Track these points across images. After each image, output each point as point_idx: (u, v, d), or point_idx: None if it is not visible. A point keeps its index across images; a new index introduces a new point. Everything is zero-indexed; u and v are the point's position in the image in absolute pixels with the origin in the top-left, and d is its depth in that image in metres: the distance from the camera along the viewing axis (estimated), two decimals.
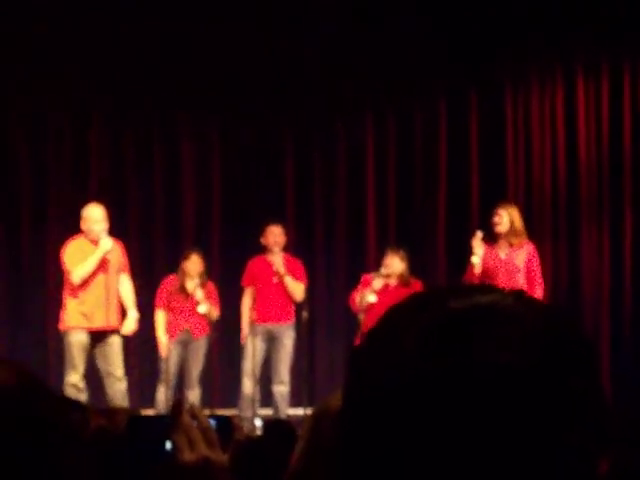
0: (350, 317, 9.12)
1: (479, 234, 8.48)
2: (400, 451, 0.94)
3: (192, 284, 8.88)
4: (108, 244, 8.24)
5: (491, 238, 8.51)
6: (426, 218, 10.47)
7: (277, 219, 9.23)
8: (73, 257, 8.24)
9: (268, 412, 9.04)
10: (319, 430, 1.97)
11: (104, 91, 10.29)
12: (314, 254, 10.43)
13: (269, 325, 8.98)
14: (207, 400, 9.18)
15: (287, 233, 9.29)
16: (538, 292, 8.43)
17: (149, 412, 7.94)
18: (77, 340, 8.21)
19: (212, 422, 1.59)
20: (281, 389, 9.02)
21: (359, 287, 8.83)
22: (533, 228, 9.46)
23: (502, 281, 8.29)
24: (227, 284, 9.56)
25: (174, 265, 9.08)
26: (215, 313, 8.97)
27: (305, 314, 9.04)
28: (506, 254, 8.47)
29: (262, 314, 8.95)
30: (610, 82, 10.07)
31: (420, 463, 0.93)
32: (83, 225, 8.34)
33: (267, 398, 9.11)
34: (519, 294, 0.99)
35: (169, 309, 8.87)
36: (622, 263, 9.90)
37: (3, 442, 1.22)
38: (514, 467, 0.92)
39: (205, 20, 10.10)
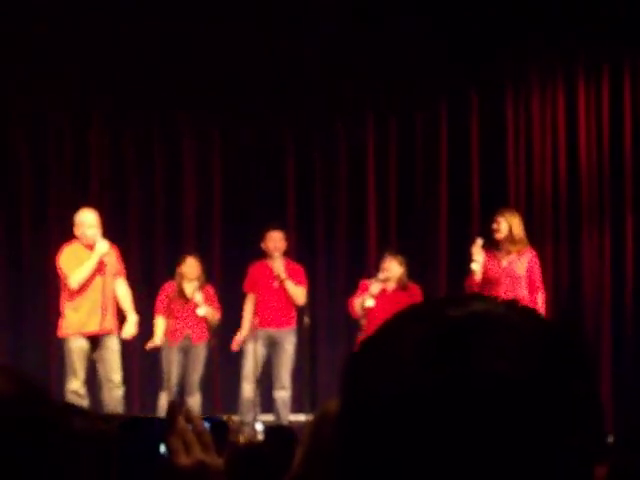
0: (351, 322, 9.15)
1: (479, 241, 8.49)
2: (398, 459, 0.94)
3: (190, 287, 8.89)
4: (104, 247, 8.29)
5: (492, 245, 8.50)
6: (427, 221, 10.49)
7: (277, 224, 9.23)
8: (69, 262, 8.28)
9: (269, 418, 9.04)
10: (319, 435, 1.96)
11: (104, 91, 10.29)
12: (315, 258, 10.44)
13: (270, 330, 9.00)
14: (208, 406, 9.18)
15: (288, 237, 9.30)
16: (540, 299, 8.44)
17: None
18: (77, 346, 8.25)
19: (207, 425, 1.58)
20: (282, 394, 9.03)
21: (358, 292, 8.84)
22: (534, 231, 9.47)
23: (503, 288, 8.29)
24: (228, 288, 9.56)
25: (174, 268, 9.07)
26: (216, 316, 8.96)
27: (306, 319, 9.06)
28: (507, 261, 8.47)
29: (263, 319, 8.98)
30: (610, 85, 10.10)
31: (419, 471, 0.93)
32: (77, 230, 8.38)
33: (268, 403, 9.12)
34: (513, 303, 1.00)
35: (169, 315, 8.86)
36: (623, 266, 9.91)
37: (2, 448, 1.21)
38: (514, 475, 0.93)
39: (205, 20, 10.11)
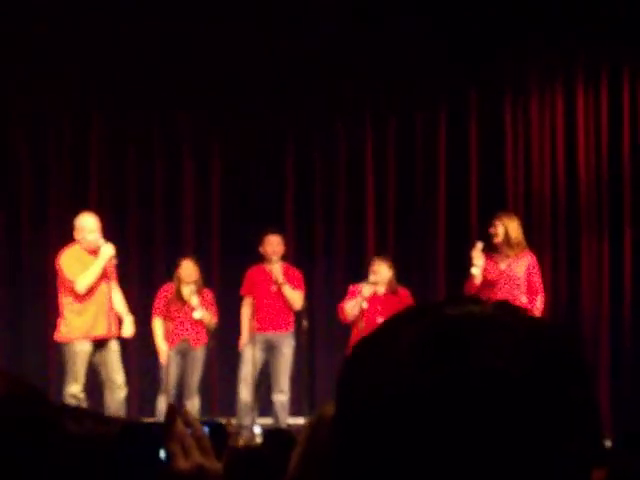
0: (349, 325, 9.13)
1: (479, 245, 8.50)
2: (395, 459, 0.94)
3: (187, 290, 8.89)
4: (110, 250, 8.29)
5: (491, 248, 8.50)
6: (426, 224, 10.51)
7: (275, 228, 9.23)
8: (72, 266, 8.26)
9: (268, 421, 9.05)
10: (316, 438, 1.97)
11: (104, 91, 10.28)
12: (313, 262, 10.45)
13: (268, 334, 9.01)
14: (206, 409, 9.19)
15: (286, 241, 9.29)
16: (539, 302, 8.45)
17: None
18: (82, 350, 8.25)
19: (205, 429, 1.58)
20: (281, 398, 9.05)
21: (347, 297, 8.85)
22: (532, 238, 9.48)
23: (502, 292, 8.30)
24: (226, 292, 9.58)
25: (173, 271, 9.08)
26: (213, 320, 8.96)
27: (305, 323, 9.06)
28: (506, 265, 8.48)
29: (261, 323, 8.99)
30: (609, 90, 10.12)
31: (416, 471, 0.93)
32: (77, 235, 8.38)
33: (267, 407, 9.13)
34: (505, 304, 1.01)
35: (167, 318, 8.87)
36: (622, 273, 9.94)
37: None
38: (512, 475, 0.93)
39: (205, 20, 10.14)
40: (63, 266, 8.28)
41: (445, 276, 10.29)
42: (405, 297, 8.90)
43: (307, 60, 10.41)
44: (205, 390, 9.27)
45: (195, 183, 10.64)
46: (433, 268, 10.43)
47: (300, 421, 8.85)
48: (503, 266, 8.51)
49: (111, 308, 8.39)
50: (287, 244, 9.40)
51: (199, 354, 8.99)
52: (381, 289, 8.89)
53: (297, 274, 9.22)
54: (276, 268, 9.05)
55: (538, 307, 8.45)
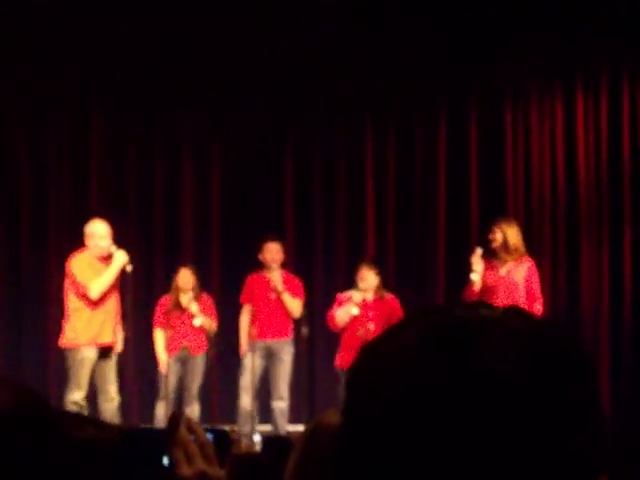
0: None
1: (478, 251, 8.51)
2: (399, 460, 0.95)
3: (186, 298, 8.92)
4: (124, 257, 8.30)
5: (491, 254, 8.51)
6: (425, 230, 10.51)
7: (275, 236, 9.23)
8: (85, 272, 8.24)
9: (267, 428, 9.07)
10: (313, 446, 1.97)
11: (104, 91, 10.29)
12: (313, 269, 10.45)
13: (268, 341, 9.04)
14: (206, 416, 9.20)
15: (285, 248, 9.29)
16: (537, 308, 8.46)
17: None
18: (88, 357, 8.23)
19: (209, 436, 1.59)
20: (280, 405, 9.07)
21: (334, 306, 8.87)
22: (532, 243, 9.50)
23: (501, 297, 8.32)
24: (225, 299, 9.59)
25: (171, 277, 9.09)
26: (213, 325, 8.98)
27: (304, 330, 9.06)
28: (506, 271, 8.49)
29: (261, 330, 9.01)
30: (609, 94, 10.12)
31: (419, 472, 0.94)
32: (88, 241, 8.37)
33: (266, 414, 9.16)
34: (515, 310, 1.01)
35: (167, 327, 8.89)
36: (621, 277, 9.97)
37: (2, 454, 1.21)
38: (514, 477, 0.93)
39: (205, 20, 10.17)
40: (75, 271, 8.25)
41: (445, 281, 10.31)
42: (393, 303, 8.93)
43: (307, 60, 10.44)
44: (205, 397, 9.28)
45: (195, 185, 10.66)
46: (433, 272, 10.44)
47: (300, 428, 8.83)
48: (502, 272, 8.52)
49: (117, 316, 8.43)
50: (286, 249, 9.39)
51: (199, 361, 9.01)
52: (369, 295, 8.90)
53: (297, 282, 9.23)
54: (275, 276, 9.05)
55: (536, 313, 8.46)
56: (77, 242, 9.96)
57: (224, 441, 1.62)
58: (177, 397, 9.04)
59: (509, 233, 8.51)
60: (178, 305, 8.95)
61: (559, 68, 10.26)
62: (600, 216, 10.09)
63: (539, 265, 8.90)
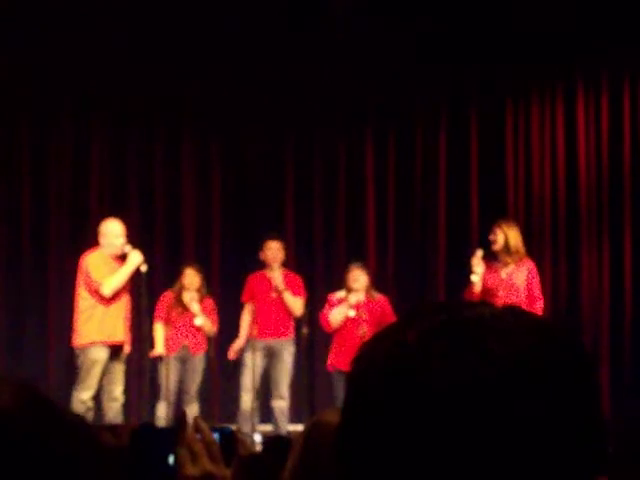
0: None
1: (479, 253, 8.51)
2: (400, 461, 0.95)
3: (188, 297, 8.89)
4: (139, 257, 8.34)
5: (491, 256, 8.52)
6: (426, 231, 10.49)
7: (276, 234, 9.22)
8: (100, 269, 8.26)
9: (268, 428, 9.05)
10: (313, 444, 1.97)
11: (104, 91, 10.30)
12: (314, 268, 10.45)
13: (268, 340, 9.01)
14: (206, 415, 9.17)
15: (286, 247, 9.28)
16: (538, 309, 8.43)
17: None
18: (101, 358, 8.22)
19: (216, 436, 1.59)
20: (281, 404, 9.05)
21: (326, 307, 8.88)
22: (533, 244, 9.48)
23: (502, 299, 8.32)
24: (227, 298, 9.59)
25: (173, 278, 9.08)
26: (213, 328, 8.97)
27: (305, 329, 9.05)
28: (506, 272, 8.48)
29: (261, 329, 9.00)
30: (610, 97, 10.12)
31: (420, 472, 0.94)
32: (103, 240, 8.40)
33: (267, 414, 9.15)
34: (514, 308, 1.02)
35: (168, 324, 8.87)
36: (622, 278, 9.95)
37: (13, 463, 1.21)
38: (513, 476, 0.93)
39: (205, 20, 10.16)
40: (90, 268, 8.26)
41: (445, 282, 10.30)
42: (384, 303, 8.96)
43: (307, 61, 10.44)
44: (205, 396, 9.27)
45: (196, 184, 10.67)
46: (433, 273, 10.44)
47: (300, 428, 8.84)
48: (503, 274, 8.52)
49: (127, 317, 8.45)
50: (287, 249, 9.39)
51: (198, 361, 8.99)
52: (361, 296, 8.92)
53: (298, 280, 9.22)
54: (277, 275, 9.05)
55: (537, 314, 8.45)
56: (77, 242, 9.98)
57: (230, 441, 1.62)
58: (177, 397, 9.02)
59: (510, 234, 8.52)
60: (180, 303, 8.96)
61: (560, 69, 10.26)
62: (600, 217, 10.09)
63: (539, 266, 8.90)
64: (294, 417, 9.25)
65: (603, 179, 10.13)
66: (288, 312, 9.07)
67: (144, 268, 8.41)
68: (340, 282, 9.11)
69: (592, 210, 10.11)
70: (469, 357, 0.94)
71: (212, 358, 9.14)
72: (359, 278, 8.89)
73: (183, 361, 9.00)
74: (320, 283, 10.25)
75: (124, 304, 8.37)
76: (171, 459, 1.55)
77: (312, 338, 9.40)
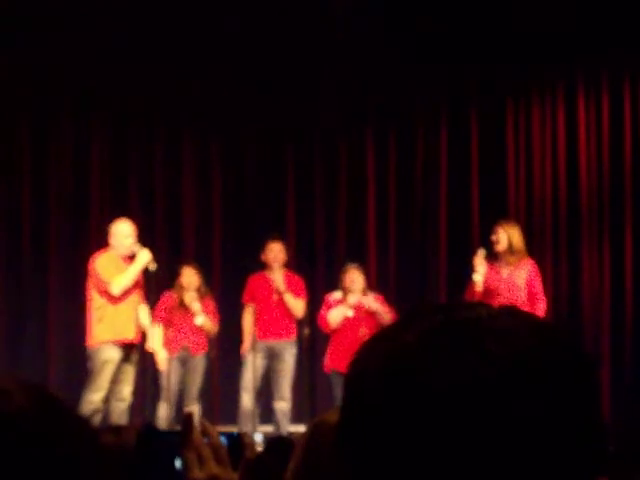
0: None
1: (481, 252, 8.52)
2: (399, 461, 0.95)
3: (189, 297, 8.89)
4: (148, 256, 8.42)
5: (492, 256, 8.52)
6: (427, 232, 10.50)
7: (277, 236, 9.23)
8: (109, 269, 8.33)
9: (269, 429, 9.05)
10: (315, 445, 1.97)
11: (105, 92, 10.31)
12: (315, 269, 10.45)
13: (270, 342, 9.02)
14: (207, 416, 9.17)
15: (287, 248, 9.29)
16: (540, 309, 8.45)
17: None
18: (112, 358, 8.26)
19: (223, 439, 1.60)
20: (282, 406, 9.06)
21: (324, 307, 8.91)
22: (534, 244, 9.49)
23: (504, 299, 8.32)
24: (228, 299, 9.59)
25: (174, 279, 9.09)
26: (214, 328, 8.97)
27: (306, 330, 9.06)
28: (507, 272, 8.50)
29: (263, 331, 9.00)
30: (610, 97, 10.12)
31: (420, 472, 0.94)
32: (113, 240, 8.47)
33: (268, 415, 9.14)
34: (513, 309, 1.01)
35: (168, 325, 8.87)
36: (623, 279, 9.96)
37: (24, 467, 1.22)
38: (512, 476, 0.93)
39: (205, 20, 10.15)
40: (99, 268, 8.33)
41: (446, 282, 10.31)
42: (381, 302, 8.97)
43: (308, 61, 10.45)
44: (206, 397, 9.27)
45: (196, 185, 10.67)
46: (434, 274, 10.45)
47: (301, 429, 8.84)
48: (504, 274, 8.53)
49: (138, 317, 8.49)
50: (288, 250, 9.39)
51: (199, 361, 8.99)
52: (359, 296, 8.96)
53: (299, 281, 9.23)
54: (278, 276, 9.05)
55: (539, 314, 8.46)
56: (77, 242, 9.98)
57: (238, 444, 1.63)
58: (178, 398, 9.02)
59: (513, 234, 8.55)
60: (181, 304, 8.95)
61: (560, 68, 10.27)
62: (601, 217, 10.08)
63: (541, 266, 8.91)
64: (295, 418, 9.25)
65: (604, 179, 10.14)
66: (289, 313, 9.07)
67: (153, 267, 8.47)
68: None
69: (593, 210, 10.11)
70: (468, 357, 0.94)
71: (213, 359, 9.15)
72: (357, 279, 8.91)
73: (183, 362, 8.99)
74: (321, 284, 10.26)
75: (135, 303, 8.43)
76: (178, 462, 1.55)
77: (313, 339, 9.41)
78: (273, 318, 9.04)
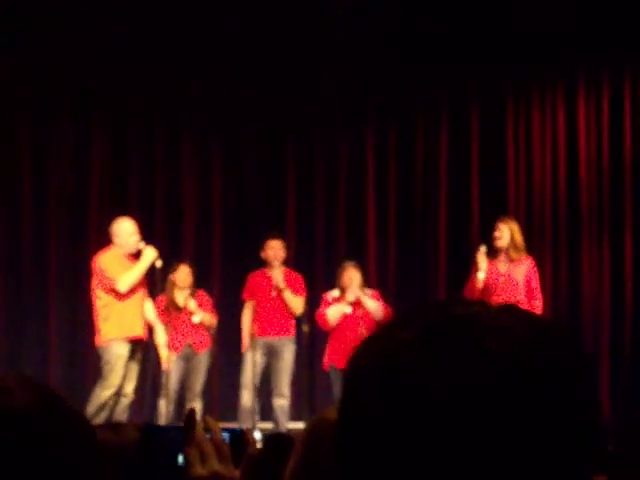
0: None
1: (483, 248, 8.53)
2: (398, 459, 0.95)
3: (182, 297, 8.90)
4: (154, 253, 8.45)
5: (491, 253, 8.54)
6: (427, 230, 10.50)
7: (277, 233, 9.24)
8: (114, 267, 8.35)
9: (268, 425, 9.05)
10: (316, 442, 1.97)
11: (105, 92, 10.31)
12: (314, 266, 10.46)
13: (269, 339, 9.03)
14: (207, 413, 9.17)
15: (287, 246, 9.29)
16: (537, 306, 8.46)
17: None
18: (123, 355, 8.30)
19: (225, 436, 1.60)
20: (281, 402, 9.06)
21: (322, 306, 8.92)
22: (533, 242, 9.50)
23: (502, 296, 8.34)
24: (227, 296, 9.60)
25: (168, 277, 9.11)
26: (213, 320, 8.98)
27: (305, 328, 9.06)
28: (506, 269, 8.50)
29: (262, 328, 9.00)
30: (610, 96, 10.12)
31: (419, 470, 0.94)
32: (117, 239, 8.49)
33: (267, 411, 9.14)
34: (511, 307, 1.01)
35: (169, 325, 8.86)
36: (622, 278, 9.95)
37: (25, 463, 1.22)
38: (511, 476, 0.93)
39: (205, 20, 10.15)
40: (104, 265, 8.35)
41: (445, 280, 10.32)
42: (377, 299, 8.98)
43: (308, 61, 10.46)
44: (206, 394, 9.28)
45: (196, 183, 10.68)
46: (434, 272, 10.45)
47: (300, 425, 8.85)
48: (503, 270, 8.55)
49: (144, 311, 8.54)
50: (288, 247, 9.41)
51: (203, 359, 9.00)
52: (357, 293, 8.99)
53: (298, 279, 9.24)
54: (277, 273, 9.07)
55: (536, 310, 8.47)
56: (78, 242, 9.97)
57: (240, 441, 1.63)
58: (179, 394, 9.03)
59: (515, 229, 8.59)
60: (174, 304, 8.96)
61: (560, 68, 10.27)
62: (601, 215, 10.09)
63: (540, 264, 8.93)
64: (294, 415, 9.26)
65: (604, 178, 10.14)
66: (289, 310, 9.08)
67: (159, 264, 8.52)
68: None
69: (593, 209, 10.12)
70: (466, 355, 0.94)
71: (213, 356, 9.16)
72: (354, 277, 8.94)
73: (187, 359, 9.00)
74: (321, 282, 10.27)
75: (140, 300, 8.46)
76: (180, 459, 1.56)
77: (313, 336, 9.42)
78: (272, 315, 9.05)
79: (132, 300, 8.36)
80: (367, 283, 9.23)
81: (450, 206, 10.50)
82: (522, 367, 0.94)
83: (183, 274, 8.99)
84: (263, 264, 9.18)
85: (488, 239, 8.69)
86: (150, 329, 8.70)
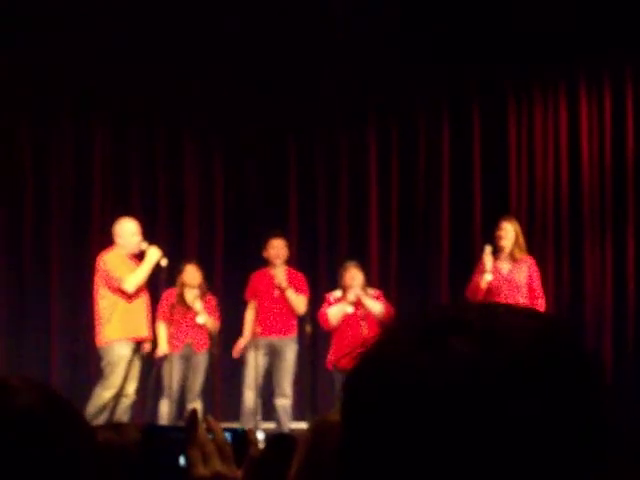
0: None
1: (488, 249, 8.52)
2: (400, 464, 0.95)
3: (191, 295, 8.91)
4: (158, 253, 8.48)
5: (493, 253, 8.54)
6: (429, 231, 10.52)
7: (279, 232, 9.24)
8: (119, 267, 8.39)
9: (271, 425, 9.06)
10: (319, 443, 1.97)
11: (105, 92, 10.31)
12: (317, 266, 10.46)
13: (271, 338, 9.02)
14: (209, 413, 9.17)
15: (289, 245, 9.29)
16: (540, 306, 8.46)
17: None
18: (124, 356, 8.32)
19: (228, 436, 1.60)
20: (284, 402, 9.06)
21: (324, 305, 8.92)
22: (536, 242, 9.50)
23: (504, 296, 8.34)
24: (229, 296, 9.60)
25: (175, 276, 9.10)
26: (215, 325, 8.98)
27: (308, 327, 9.06)
28: (508, 269, 8.50)
29: (264, 327, 9.01)
30: (612, 95, 10.11)
31: (420, 474, 0.94)
32: (120, 239, 8.53)
33: (270, 411, 9.16)
34: (513, 307, 1.02)
35: (171, 322, 8.87)
36: (625, 279, 9.95)
37: (30, 464, 1.22)
38: (512, 476, 0.93)
39: (205, 20, 10.15)
40: (110, 265, 8.37)
41: (448, 280, 10.32)
42: (380, 299, 8.99)
43: (308, 61, 10.46)
44: (208, 394, 9.28)
45: (198, 183, 10.70)
46: (436, 272, 10.45)
47: (303, 425, 8.87)
48: (505, 271, 8.56)
49: (149, 311, 8.57)
50: (290, 247, 9.41)
51: (202, 358, 9.01)
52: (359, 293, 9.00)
53: (301, 278, 9.25)
54: (279, 272, 9.07)
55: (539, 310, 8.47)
56: (79, 242, 9.97)
57: (243, 441, 1.63)
58: (180, 394, 9.04)
59: (518, 229, 8.61)
60: (182, 301, 8.97)
61: (562, 68, 10.27)
62: (603, 215, 10.08)
63: (543, 263, 8.95)
64: (297, 415, 9.26)
65: (606, 177, 10.13)
66: (291, 310, 9.09)
67: (164, 262, 8.57)
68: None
69: (595, 209, 10.11)
70: (466, 356, 0.94)
71: (215, 356, 9.16)
72: (357, 276, 8.94)
73: (187, 359, 9.01)
74: (323, 281, 10.27)
75: (145, 300, 8.49)
76: (182, 459, 1.55)
77: (315, 336, 9.42)
78: (274, 315, 9.05)
79: (137, 301, 8.40)
80: (369, 283, 9.23)
81: (452, 206, 10.50)
82: (523, 367, 0.94)
83: (191, 274, 9.01)
84: (265, 263, 9.18)
85: (490, 239, 8.69)
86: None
